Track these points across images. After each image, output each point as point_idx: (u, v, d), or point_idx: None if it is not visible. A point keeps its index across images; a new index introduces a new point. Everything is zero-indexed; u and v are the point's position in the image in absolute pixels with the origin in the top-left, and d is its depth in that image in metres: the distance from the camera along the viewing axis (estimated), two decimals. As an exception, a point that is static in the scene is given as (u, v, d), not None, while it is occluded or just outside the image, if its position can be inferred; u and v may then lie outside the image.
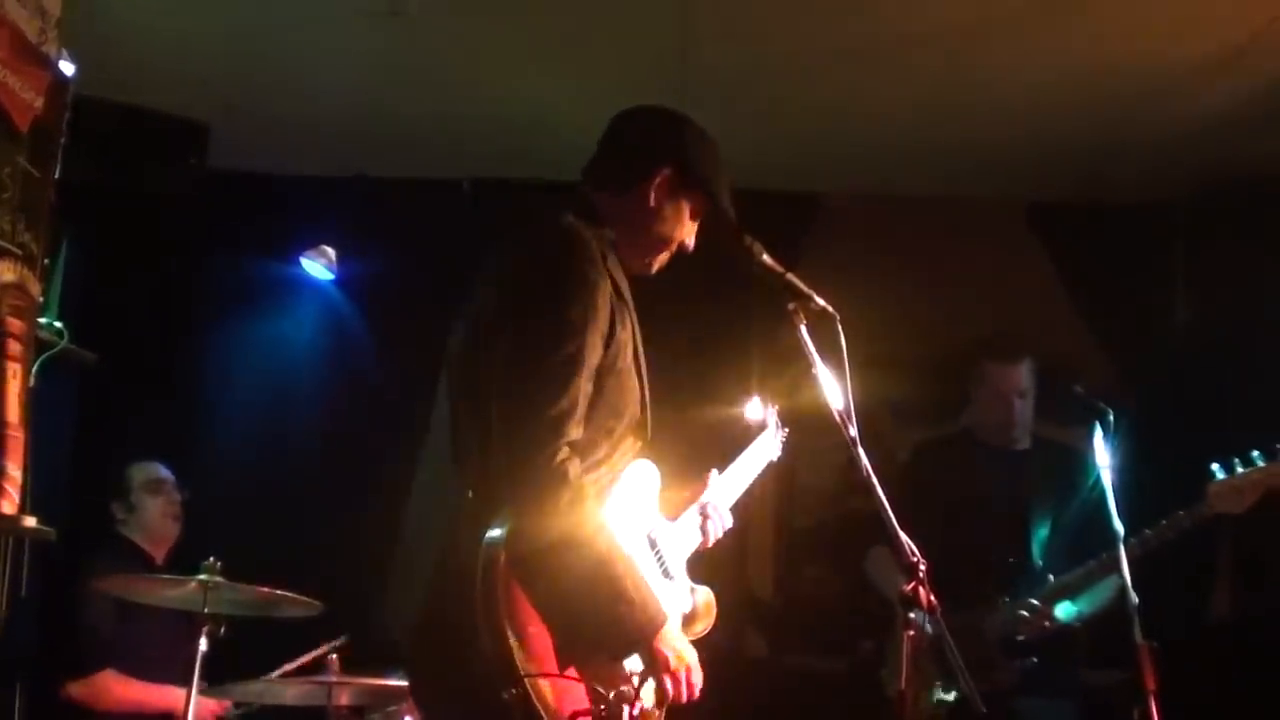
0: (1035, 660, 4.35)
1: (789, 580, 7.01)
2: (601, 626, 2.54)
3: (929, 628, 2.81)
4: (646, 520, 2.90)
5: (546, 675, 2.45)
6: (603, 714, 2.49)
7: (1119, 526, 3.83)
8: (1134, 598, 3.81)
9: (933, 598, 2.75)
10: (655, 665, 2.60)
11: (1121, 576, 3.83)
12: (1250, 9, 4.56)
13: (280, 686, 4.46)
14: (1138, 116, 5.29)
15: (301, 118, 5.66)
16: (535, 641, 2.48)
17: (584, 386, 2.59)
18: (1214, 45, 4.78)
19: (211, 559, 4.17)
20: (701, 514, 3.18)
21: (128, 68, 5.04)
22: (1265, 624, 5.31)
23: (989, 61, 4.99)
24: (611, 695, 2.53)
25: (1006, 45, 4.86)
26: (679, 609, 2.93)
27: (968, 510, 4.56)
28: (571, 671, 2.52)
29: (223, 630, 4.22)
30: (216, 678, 4.38)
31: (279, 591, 4.20)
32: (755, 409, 3.52)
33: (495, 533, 2.51)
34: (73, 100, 3.99)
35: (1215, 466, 4.23)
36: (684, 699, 2.65)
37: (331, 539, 5.67)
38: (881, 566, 4.58)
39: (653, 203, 2.93)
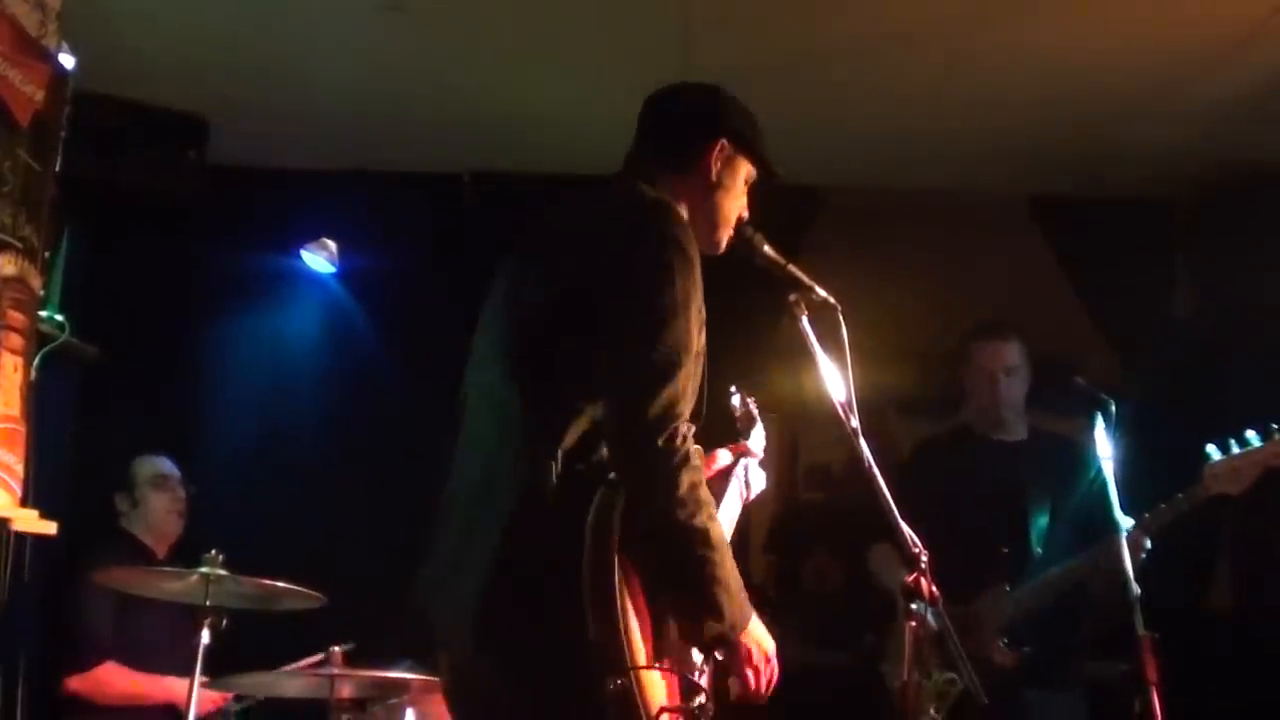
0: (1033, 649, 4.35)
1: (790, 573, 7.02)
2: (703, 613, 2.48)
3: (931, 620, 2.80)
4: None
5: (650, 667, 2.38)
6: (695, 712, 2.47)
7: (1120, 517, 3.84)
8: (1135, 589, 3.82)
9: (934, 589, 2.76)
10: (739, 658, 2.55)
11: (1123, 569, 3.84)
12: (1251, 1, 4.55)
13: (282, 680, 4.46)
14: (1141, 109, 5.29)
15: (302, 111, 5.66)
16: (640, 633, 2.40)
17: (692, 365, 2.51)
18: (1215, 38, 4.78)
19: (213, 552, 4.16)
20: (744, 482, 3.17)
21: (127, 62, 5.04)
22: (1266, 615, 5.32)
23: (991, 54, 4.99)
24: (689, 685, 2.51)
25: (1008, 38, 4.86)
26: None
27: (967, 506, 4.55)
28: (665, 664, 2.47)
29: (224, 623, 4.22)
30: (218, 670, 4.38)
31: (281, 584, 4.19)
32: (735, 400, 3.48)
33: (602, 512, 2.41)
34: (73, 94, 4.00)
35: (1211, 448, 4.23)
36: (764, 691, 2.61)
37: (333, 531, 5.68)
38: (884, 561, 4.58)
39: (714, 176, 2.89)
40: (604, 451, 2.50)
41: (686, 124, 2.96)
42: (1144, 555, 4.09)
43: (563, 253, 2.69)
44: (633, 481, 2.44)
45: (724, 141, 2.91)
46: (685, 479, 2.41)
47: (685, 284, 2.52)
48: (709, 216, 2.90)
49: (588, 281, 2.57)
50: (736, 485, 3.22)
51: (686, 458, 2.43)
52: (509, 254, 2.85)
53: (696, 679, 2.58)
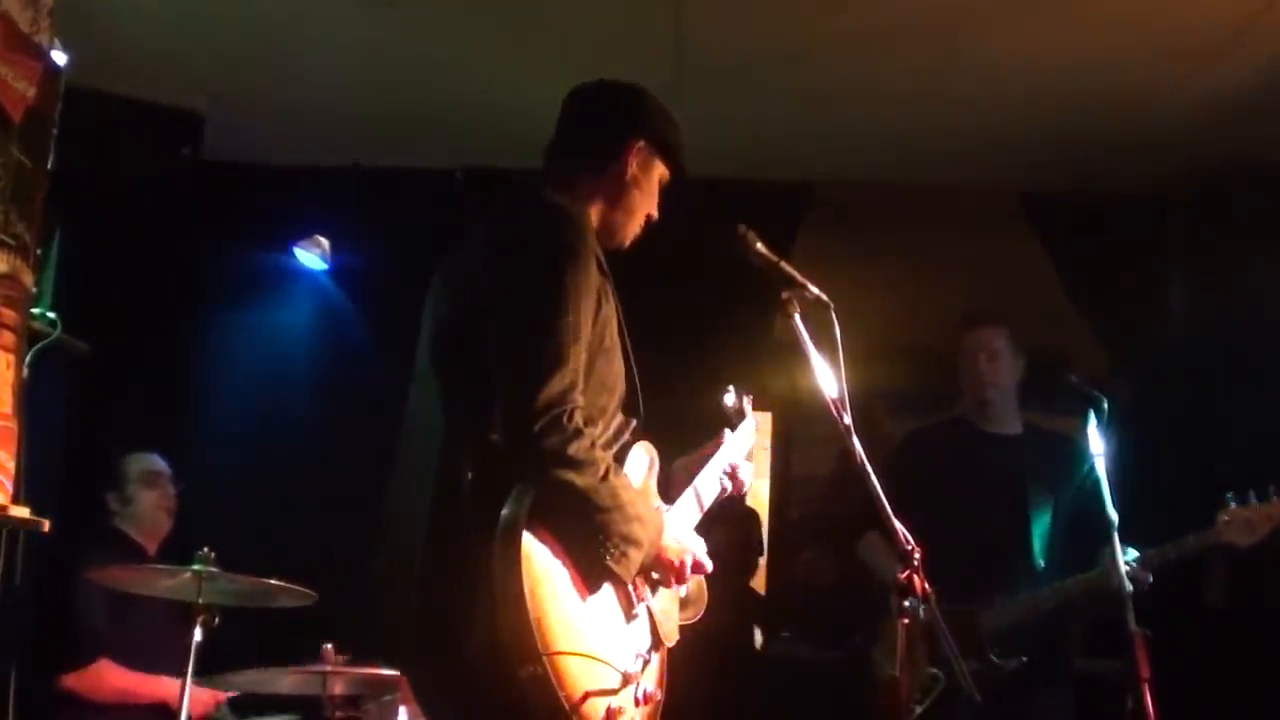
0: (1025, 659, 4.35)
1: (783, 569, 7.03)
2: (616, 547, 2.58)
3: (923, 615, 2.81)
4: (650, 503, 2.88)
5: (566, 653, 2.44)
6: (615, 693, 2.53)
7: (1113, 514, 3.84)
8: (1128, 586, 3.82)
9: (927, 585, 2.77)
10: (663, 566, 2.72)
11: (1116, 564, 3.84)
12: (1244, -4, 4.57)
13: (276, 676, 4.46)
14: (1134, 106, 5.30)
15: (296, 108, 5.65)
16: (555, 622, 2.46)
17: (582, 356, 2.60)
18: (1207, 35, 4.78)
19: (206, 549, 4.17)
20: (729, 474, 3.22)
21: (121, 58, 5.04)
22: (1259, 612, 5.32)
23: (984, 50, 4.99)
24: (621, 674, 2.57)
25: (1001, 34, 4.86)
26: (675, 592, 2.93)
27: (960, 496, 4.55)
28: (588, 650, 2.52)
29: (217, 620, 4.22)
30: (211, 668, 4.38)
31: (273, 581, 4.20)
32: (730, 397, 3.49)
33: (513, 509, 2.49)
34: (65, 90, 3.99)
35: (1229, 495, 4.20)
36: (686, 578, 2.78)
37: (325, 528, 5.68)
38: (875, 551, 4.59)
39: (629, 175, 2.96)
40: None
41: (604, 123, 3.03)
42: (1145, 589, 4.08)
43: (468, 269, 2.83)
44: (528, 465, 2.53)
45: (642, 142, 2.98)
46: (572, 448, 2.51)
47: (572, 282, 2.62)
48: (619, 213, 2.99)
49: (487, 294, 2.70)
50: (708, 477, 3.23)
51: (576, 433, 2.52)
52: (435, 276, 2.99)
53: (640, 666, 2.66)
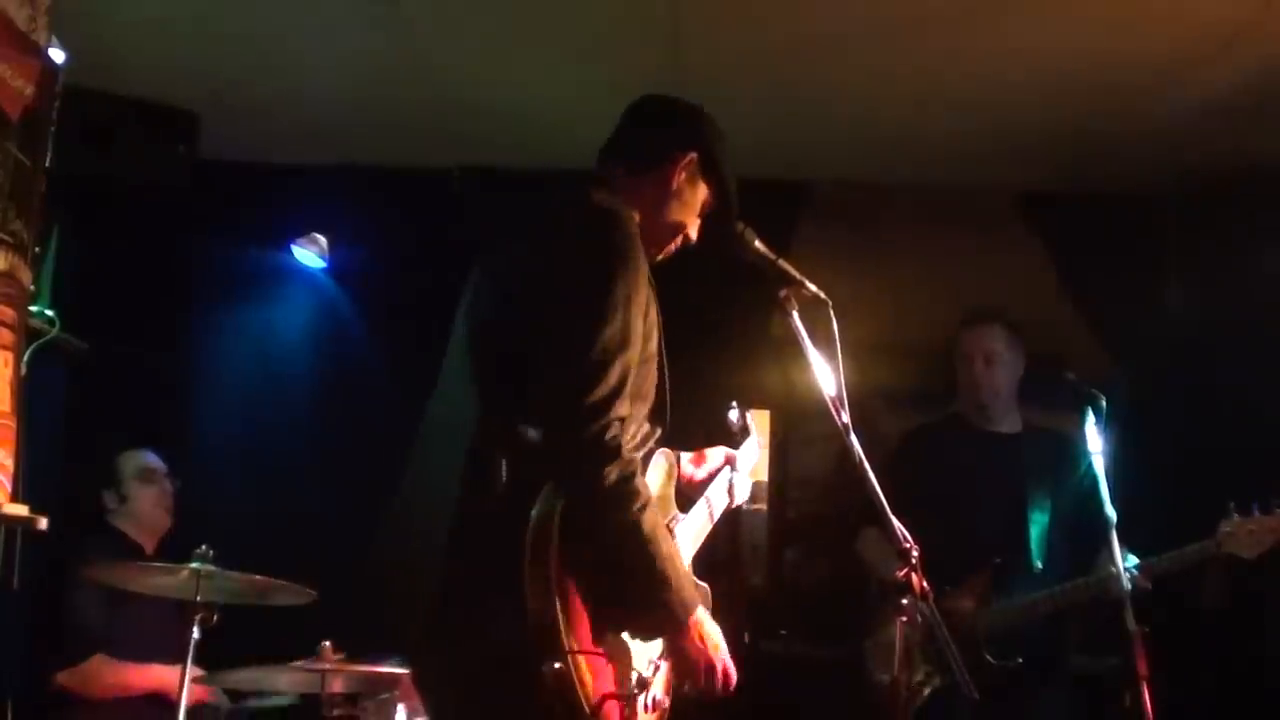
0: (1022, 660, 4.34)
1: (782, 569, 7.03)
2: (642, 605, 2.55)
3: (920, 614, 2.82)
4: (667, 512, 2.89)
5: (589, 652, 2.44)
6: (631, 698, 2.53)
7: (1111, 513, 3.84)
8: (1127, 584, 3.83)
9: (924, 583, 2.77)
10: (688, 652, 2.62)
11: (1115, 565, 3.84)
12: (1241, -4, 4.57)
13: (274, 674, 4.46)
14: (1130, 105, 5.29)
15: (292, 106, 5.65)
16: (578, 620, 2.46)
17: (629, 364, 2.57)
18: (1204, 34, 4.78)
19: (204, 547, 4.17)
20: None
21: (118, 57, 5.03)
22: (1257, 609, 5.33)
23: (981, 50, 4.99)
24: (635, 679, 2.57)
25: (998, 33, 4.86)
26: None
27: (959, 494, 4.56)
28: (609, 652, 2.52)
29: (215, 618, 4.22)
30: (209, 665, 4.38)
31: (272, 579, 4.19)
32: (734, 414, 3.50)
33: (546, 507, 2.48)
34: (63, 89, 3.98)
35: (1231, 505, 4.18)
36: (717, 687, 2.65)
37: (323, 526, 5.68)
38: (873, 549, 4.58)
39: (674, 185, 2.94)
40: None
41: (661, 130, 3.02)
42: (1143, 595, 4.07)
43: (515, 265, 2.80)
44: (564, 475, 2.51)
45: (694, 156, 2.95)
46: (614, 472, 2.47)
47: (623, 288, 2.59)
48: (659, 224, 2.95)
49: (535, 292, 2.67)
50: (719, 488, 3.24)
51: (616, 451, 2.49)
52: (476, 268, 2.96)
53: (651, 672, 2.64)
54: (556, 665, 2.37)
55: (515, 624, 2.41)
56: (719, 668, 2.65)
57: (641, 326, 2.64)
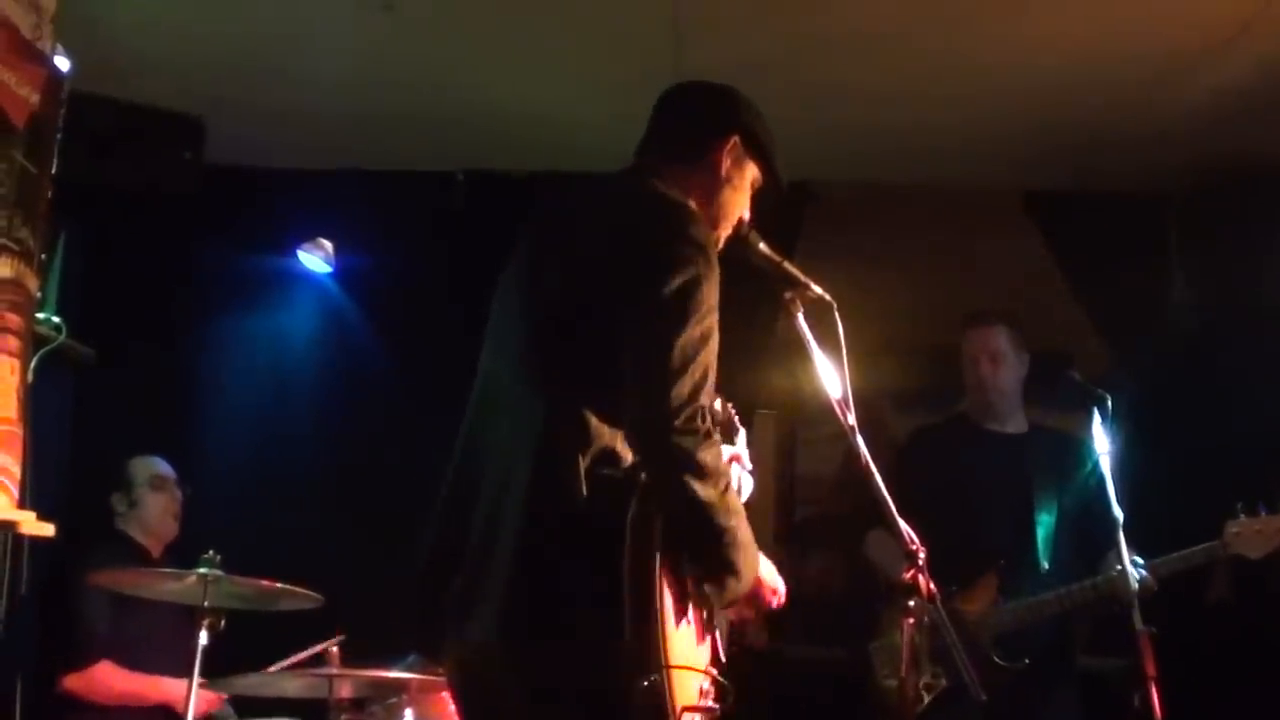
0: (1029, 661, 4.33)
1: (790, 571, 7.02)
2: (724, 574, 2.54)
3: (928, 614, 2.82)
4: None
5: (681, 667, 2.41)
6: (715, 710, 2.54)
7: (1118, 513, 3.83)
8: (1134, 584, 3.82)
9: (932, 585, 2.77)
10: (758, 600, 2.78)
11: (1122, 565, 3.84)
12: (1246, -6, 4.56)
13: (281, 679, 4.45)
14: (1135, 103, 5.29)
15: (297, 111, 5.65)
16: (671, 633, 2.42)
17: (713, 355, 2.54)
18: (1209, 31, 4.77)
19: (211, 552, 4.16)
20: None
21: (123, 63, 5.04)
22: (1265, 608, 5.32)
23: (984, 49, 4.99)
24: (700, 689, 2.53)
25: (1002, 32, 4.85)
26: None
27: (964, 495, 4.56)
28: (691, 663, 2.50)
29: (222, 624, 4.21)
30: (216, 671, 4.38)
31: (279, 585, 4.19)
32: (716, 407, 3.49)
33: (642, 508, 2.44)
34: (68, 96, 3.99)
35: (1239, 505, 4.17)
36: (775, 606, 2.84)
37: (331, 531, 5.68)
38: (880, 550, 4.58)
39: (724, 171, 2.90)
40: (628, 455, 2.52)
41: (701, 118, 2.96)
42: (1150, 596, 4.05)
43: (586, 252, 2.69)
44: (656, 463, 2.46)
45: (736, 139, 2.91)
46: (705, 455, 2.44)
47: (708, 286, 2.55)
48: (713, 212, 2.89)
49: (613, 283, 2.59)
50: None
51: (707, 435, 2.46)
52: (526, 238, 2.84)
53: (709, 684, 2.60)
54: (653, 679, 2.33)
55: (608, 634, 2.35)
56: (774, 603, 2.83)
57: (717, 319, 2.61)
